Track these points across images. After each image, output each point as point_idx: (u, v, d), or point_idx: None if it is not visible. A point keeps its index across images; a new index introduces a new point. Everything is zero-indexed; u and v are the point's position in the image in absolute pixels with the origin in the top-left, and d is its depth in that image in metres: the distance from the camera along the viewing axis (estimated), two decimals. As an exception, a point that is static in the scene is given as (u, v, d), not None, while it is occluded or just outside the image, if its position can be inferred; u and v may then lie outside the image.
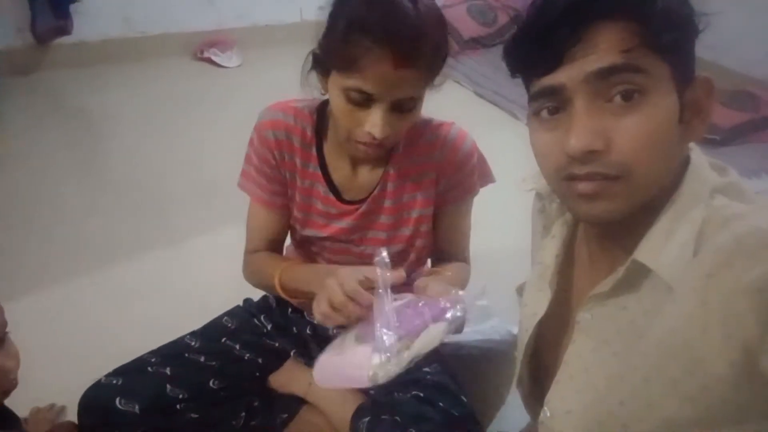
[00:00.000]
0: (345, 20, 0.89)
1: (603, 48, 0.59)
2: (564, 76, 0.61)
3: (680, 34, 0.60)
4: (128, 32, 3.49)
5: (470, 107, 3.16)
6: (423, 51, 0.88)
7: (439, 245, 1.19)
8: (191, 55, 3.62)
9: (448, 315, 0.85)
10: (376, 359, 0.82)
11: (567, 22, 0.59)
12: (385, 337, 0.82)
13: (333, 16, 0.93)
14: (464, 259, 1.20)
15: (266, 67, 3.41)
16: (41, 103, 3.01)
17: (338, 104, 0.94)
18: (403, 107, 0.94)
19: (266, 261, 1.15)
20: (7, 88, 3.03)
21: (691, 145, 0.67)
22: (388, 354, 0.82)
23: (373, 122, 0.92)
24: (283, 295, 1.08)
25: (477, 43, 3.78)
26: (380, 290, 0.85)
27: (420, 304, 0.87)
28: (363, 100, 0.91)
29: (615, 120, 0.60)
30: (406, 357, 0.83)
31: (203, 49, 3.58)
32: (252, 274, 1.18)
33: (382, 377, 0.82)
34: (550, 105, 0.64)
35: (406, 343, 0.83)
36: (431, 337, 0.85)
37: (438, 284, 0.91)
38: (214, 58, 3.54)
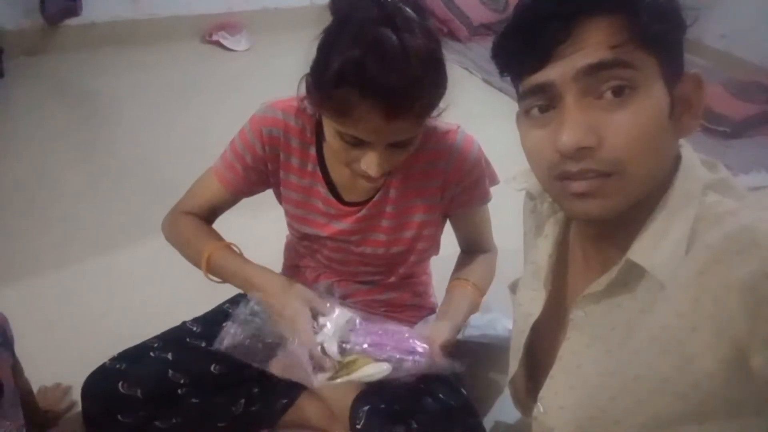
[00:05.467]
0: (334, 66, 0.83)
1: (592, 44, 0.58)
2: (553, 72, 0.60)
3: (669, 28, 0.59)
4: (137, 14, 3.48)
5: (478, 95, 3.13)
6: (416, 102, 0.84)
7: (463, 242, 1.23)
8: (200, 38, 3.61)
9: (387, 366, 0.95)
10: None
11: (556, 18, 0.59)
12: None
13: (322, 53, 0.87)
14: (489, 248, 1.23)
15: (275, 50, 3.40)
16: (49, 84, 3.02)
17: (333, 142, 0.93)
18: (400, 144, 0.91)
19: (196, 232, 1.13)
20: (15, 69, 3.03)
21: (682, 141, 0.67)
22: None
23: (369, 163, 0.90)
24: (207, 275, 1.09)
25: (487, 29, 3.75)
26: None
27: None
28: (357, 142, 0.89)
29: (606, 116, 0.59)
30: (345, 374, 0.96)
31: (212, 32, 3.56)
32: (175, 236, 1.16)
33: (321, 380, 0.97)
34: (540, 103, 0.64)
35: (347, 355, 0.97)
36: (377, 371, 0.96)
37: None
38: (222, 41, 3.52)
